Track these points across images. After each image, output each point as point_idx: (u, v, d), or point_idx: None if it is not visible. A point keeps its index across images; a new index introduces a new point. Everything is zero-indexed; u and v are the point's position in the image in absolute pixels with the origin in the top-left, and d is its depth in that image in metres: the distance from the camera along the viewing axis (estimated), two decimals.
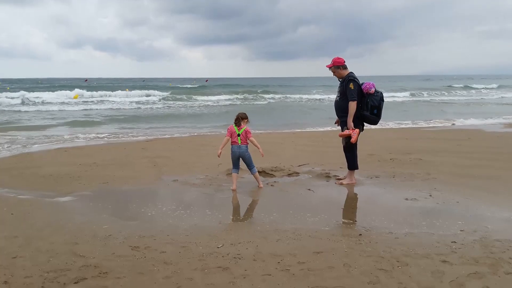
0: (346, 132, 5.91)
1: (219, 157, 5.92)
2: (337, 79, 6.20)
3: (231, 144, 5.94)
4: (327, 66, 6.19)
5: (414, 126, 14.92)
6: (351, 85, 5.83)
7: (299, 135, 12.17)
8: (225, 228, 4.35)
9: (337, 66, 6.06)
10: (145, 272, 3.29)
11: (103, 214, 4.80)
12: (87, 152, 9.13)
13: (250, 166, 6.04)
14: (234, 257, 3.55)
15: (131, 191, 5.86)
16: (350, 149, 6.10)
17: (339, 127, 6.29)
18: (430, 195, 5.45)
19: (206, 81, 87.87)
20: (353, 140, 5.85)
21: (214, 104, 28.94)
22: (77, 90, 34.26)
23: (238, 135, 5.89)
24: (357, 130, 5.91)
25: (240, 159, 5.99)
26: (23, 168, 7.39)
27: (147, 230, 4.23)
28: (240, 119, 5.93)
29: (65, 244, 3.87)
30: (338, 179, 6.44)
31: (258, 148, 5.95)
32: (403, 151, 8.75)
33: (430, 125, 14.92)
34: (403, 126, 14.86)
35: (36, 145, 10.35)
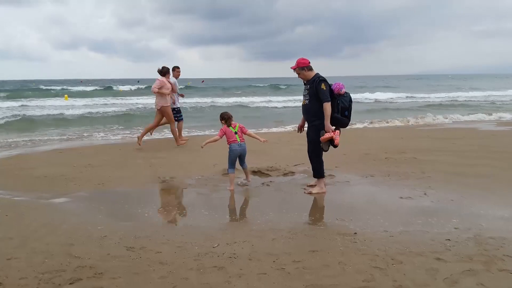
0: (327, 135, 5.43)
1: (202, 148, 5.93)
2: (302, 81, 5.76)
3: (230, 143, 5.91)
4: (291, 68, 5.78)
5: (409, 125, 14.98)
6: (323, 86, 5.43)
7: (295, 135, 12.15)
8: (220, 228, 4.35)
9: (302, 67, 5.63)
10: (140, 272, 3.29)
11: (98, 215, 4.79)
12: (82, 153, 9.09)
13: (244, 161, 6.09)
14: (230, 257, 3.56)
15: (126, 192, 5.84)
16: (317, 155, 5.67)
17: (305, 133, 5.87)
18: (425, 194, 5.48)
19: (202, 81, 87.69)
20: (337, 142, 5.44)
21: None
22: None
23: (235, 133, 5.91)
24: (338, 131, 5.49)
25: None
26: (18, 169, 7.36)
27: (142, 231, 4.23)
28: (229, 118, 5.96)
29: (60, 245, 3.86)
30: (309, 186, 5.98)
31: (258, 139, 6.00)
32: (398, 150, 8.77)
33: (424, 124, 14.98)
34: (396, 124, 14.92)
35: (31, 146, 10.30)
